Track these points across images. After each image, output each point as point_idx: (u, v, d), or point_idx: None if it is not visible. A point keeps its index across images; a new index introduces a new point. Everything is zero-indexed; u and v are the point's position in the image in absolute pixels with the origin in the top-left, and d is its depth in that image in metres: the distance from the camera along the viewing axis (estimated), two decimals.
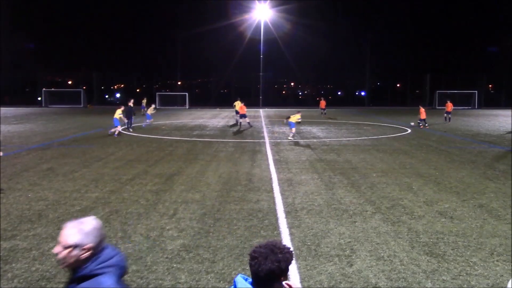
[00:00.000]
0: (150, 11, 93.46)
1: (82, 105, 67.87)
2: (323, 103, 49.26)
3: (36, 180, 13.39)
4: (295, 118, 25.49)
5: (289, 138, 24.68)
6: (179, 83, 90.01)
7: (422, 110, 33.08)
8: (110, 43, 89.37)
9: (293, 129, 25.23)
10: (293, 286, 2.61)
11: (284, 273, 2.56)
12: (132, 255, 7.48)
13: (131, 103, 31.43)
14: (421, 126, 32.41)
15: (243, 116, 33.59)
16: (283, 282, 2.59)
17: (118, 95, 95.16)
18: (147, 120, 33.87)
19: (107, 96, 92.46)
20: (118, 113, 27.50)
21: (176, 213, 10.01)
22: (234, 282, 2.66)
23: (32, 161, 16.71)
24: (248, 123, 33.65)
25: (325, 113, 47.64)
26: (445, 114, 39.64)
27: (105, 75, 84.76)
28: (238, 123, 34.75)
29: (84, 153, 18.75)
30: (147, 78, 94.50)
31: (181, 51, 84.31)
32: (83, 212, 9.99)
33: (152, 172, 14.86)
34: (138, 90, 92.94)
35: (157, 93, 66.55)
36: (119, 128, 27.01)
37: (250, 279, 2.65)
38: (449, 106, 40.00)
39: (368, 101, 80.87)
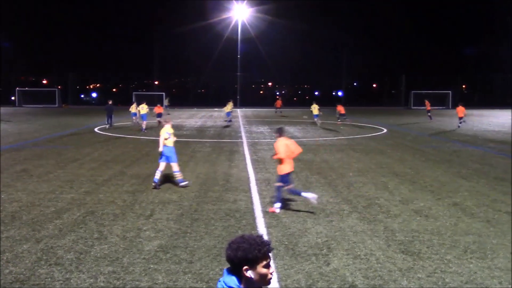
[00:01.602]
0: (127, 10, 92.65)
1: (57, 105, 66.91)
2: (279, 102, 51.98)
3: (10, 182, 13.14)
4: (315, 109, 34.91)
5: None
6: (156, 83, 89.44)
7: (460, 109, 33.26)
8: (86, 43, 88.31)
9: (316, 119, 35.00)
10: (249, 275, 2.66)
11: (247, 262, 2.64)
12: (108, 256, 7.40)
13: (110, 102, 32.74)
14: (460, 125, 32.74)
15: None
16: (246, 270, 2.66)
17: (94, 94, 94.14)
18: (143, 121, 30.97)
19: (82, 96, 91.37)
20: (145, 109, 31.08)
21: (153, 213, 9.94)
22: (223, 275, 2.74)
23: (5, 162, 16.40)
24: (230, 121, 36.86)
25: (280, 112, 50.38)
26: (428, 114, 41.94)
27: (80, 75, 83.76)
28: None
29: (59, 154, 18.48)
30: (123, 78, 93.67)
31: (158, 51, 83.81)
32: (58, 214, 9.86)
33: (129, 173, 14.73)
34: (114, 90, 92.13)
35: (133, 93, 65.90)
36: (144, 123, 30.08)
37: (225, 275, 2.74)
38: (428, 105, 42.51)
39: (345, 100, 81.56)
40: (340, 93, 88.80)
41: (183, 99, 78.84)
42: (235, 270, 2.68)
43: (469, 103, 59.97)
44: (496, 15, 79.92)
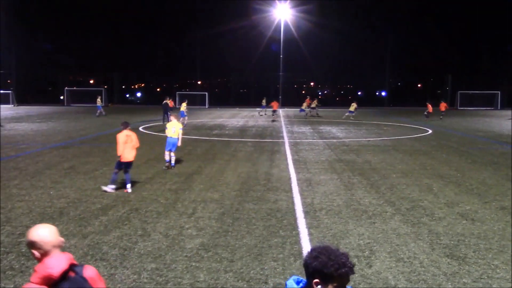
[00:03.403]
0: (169, 10, 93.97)
1: (103, 104, 68.57)
2: (275, 104, 50.72)
3: (58, 178, 13.58)
4: (353, 107, 40.96)
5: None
6: (199, 82, 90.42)
7: None
8: (131, 43, 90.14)
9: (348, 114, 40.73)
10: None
11: (320, 276, 2.50)
12: (151, 253, 7.54)
13: (167, 101, 35.67)
14: None
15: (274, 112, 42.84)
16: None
17: (138, 94, 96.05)
18: (181, 118, 32.92)
19: (128, 96, 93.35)
20: (184, 106, 34.45)
21: (195, 212, 10.06)
22: (286, 284, 2.65)
23: (54, 160, 16.95)
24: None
25: (273, 115, 49.35)
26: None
27: (125, 75, 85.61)
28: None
29: (105, 151, 18.96)
30: (167, 78, 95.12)
31: (201, 51, 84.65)
32: (103, 210, 10.11)
33: (172, 171, 14.95)
34: (158, 90, 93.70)
35: (177, 93, 66.83)
36: (186, 120, 33.01)
37: (303, 281, 2.64)
38: (443, 106, 42.72)
39: (389, 101, 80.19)
40: (383, 93, 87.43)
41: (225, 98, 79.44)
42: (307, 278, 2.55)
43: None
44: None
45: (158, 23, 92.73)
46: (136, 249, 7.74)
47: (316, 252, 2.53)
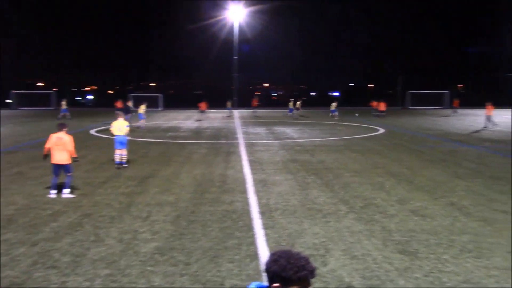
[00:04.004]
0: (123, 12, 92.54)
1: (52, 108, 66.68)
2: (254, 101, 53.11)
3: (6, 185, 13.10)
4: (333, 106, 43.00)
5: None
6: (153, 84, 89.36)
7: (489, 108, 32.91)
8: (82, 45, 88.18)
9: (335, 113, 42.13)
10: None
11: (279, 280, 2.47)
12: (105, 259, 7.38)
13: (128, 103, 35.82)
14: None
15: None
16: None
17: (90, 97, 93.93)
18: (140, 120, 33.59)
19: (79, 98, 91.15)
20: (143, 109, 33.58)
21: (150, 215, 9.92)
22: None
23: (1, 165, 16.35)
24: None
25: (254, 112, 51.56)
26: (378, 113, 43.55)
27: (76, 77, 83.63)
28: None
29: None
30: (120, 80, 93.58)
31: (155, 52, 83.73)
32: (54, 216, 9.83)
33: (125, 174, 14.70)
34: (111, 92, 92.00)
35: (130, 95, 65.75)
36: (143, 122, 32.85)
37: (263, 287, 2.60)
38: (382, 105, 43.71)
39: (341, 101, 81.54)
40: (336, 94, 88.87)
41: (179, 100, 78.73)
42: (268, 282, 2.51)
43: (468, 103, 60.18)
44: (491, 16, 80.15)
45: (110, 23, 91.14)
46: (88, 255, 7.56)
47: (275, 255, 2.52)
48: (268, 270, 2.50)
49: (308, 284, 2.49)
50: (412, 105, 65.64)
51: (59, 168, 11.65)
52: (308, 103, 63.60)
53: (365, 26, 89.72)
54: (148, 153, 19.59)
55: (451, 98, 65.73)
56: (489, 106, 32.73)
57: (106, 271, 6.91)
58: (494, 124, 32.15)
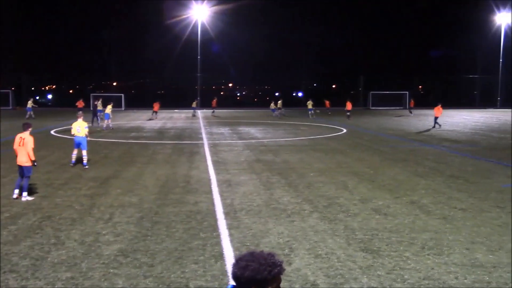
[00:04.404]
0: (84, 10, 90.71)
1: (10, 107, 64.85)
2: (214, 101, 53.41)
3: None
4: (310, 104, 45.01)
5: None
6: (114, 84, 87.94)
7: (437, 108, 33.18)
8: (41, 44, 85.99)
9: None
10: None
11: (255, 283, 2.43)
12: (66, 262, 7.23)
13: (96, 102, 35.89)
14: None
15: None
16: None
17: (49, 96, 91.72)
18: (106, 120, 32.97)
19: (38, 98, 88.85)
20: (109, 108, 32.59)
21: (113, 217, 9.77)
22: None
23: None
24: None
25: (213, 112, 51.72)
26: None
27: (35, 76, 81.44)
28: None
29: (13, 157, 17.87)
30: (80, 79, 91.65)
31: (116, 51, 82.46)
32: (12, 219, 9.55)
33: (87, 176, 14.42)
34: (71, 91, 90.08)
35: (91, 95, 64.51)
36: (110, 122, 32.17)
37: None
38: (349, 105, 43.91)
39: (305, 101, 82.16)
40: (300, 94, 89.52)
41: (141, 100, 77.73)
42: None
43: (424, 103, 61.65)
44: (452, 18, 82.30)
45: (70, 21, 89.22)
46: (49, 259, 7.38)
47: (243, 261, 2.44)
48: (239, 277, 2.42)
49: (280, 280, 2.48)
50: (374, 105, 66.70)
51: (21, 170, 11.37)
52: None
53: (329, 27, 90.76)
54: (110, 154, 19.27)
55: (410, 98, 67.33)
56: (438, 108, 33.41)
57: (68, 275, 6.76)
58: (438, 125, 32.66)
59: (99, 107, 35.46)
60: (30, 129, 11.69)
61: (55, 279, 6.62)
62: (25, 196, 11.24)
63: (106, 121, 32.46)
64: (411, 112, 51.19)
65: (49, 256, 7.51)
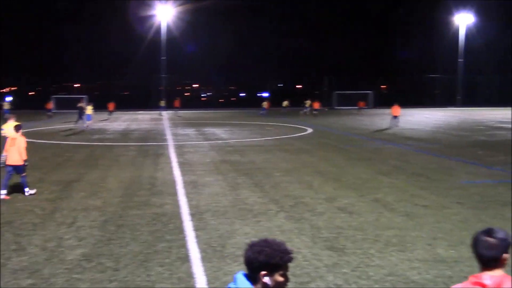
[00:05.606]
0: (45, 9, 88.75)
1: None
2: (177, 102, 54.46)
3: None
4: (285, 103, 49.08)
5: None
6: (76, 85, 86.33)
7: (395, 108, 33.39)
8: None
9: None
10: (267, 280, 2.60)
11: (267, 267, 2.58)
12: (27, 268, 7.05)
13: (81, 104, 35.49)
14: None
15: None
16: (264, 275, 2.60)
17: (9, 98, 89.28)
18: (87, 121, 33.32)
19: None
20: (90, 109, 33.82)
21: (76, 221, 9.58)
22: (234, 278, 2.65)
23: None
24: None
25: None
26: (306, 110, 47.57)
27: None
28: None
29: None
30: (41, 81, 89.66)
31: (78, 52, 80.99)
32: None
33: (48, 179, 14.10)
34: (32, 93, 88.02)
35: (52, 96, 63.05)
36: (91, 122, 33.13)
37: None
38: (316, 104, 48.01)
39: (271, 102, 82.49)
40: (266, 94, 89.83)
41: (105, 101, 76.53)
42: (252, 273, 2.61)
43: (387, 103, 62.71)
44: (416, 20, 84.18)
45: (29, 21, 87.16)
46: (9, 265, 7.18)
47: (258, 246, 2.61)
48: (253, 261, 2.59)
49: (288, 268, 2.64)
50: (338, 105, 67.44)
51: (14, 169, 11.89)
52: (240, 104, 63.95)
53: (292, 28, 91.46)
54: (73, 157, 18.90)
55: (374, 98, 68.44)
56: (395, 107, 33.89)
57: (29, 281, 6.59)
58: (396, 124, 33.08)
59: (88, 111, 34.50)
60: (21, 130, 12.19)
61: (16, 286, 6.45)
62: (28, 191, 11.82)
63: (88, 121, 33.26)
64: (360, 112, 53.13)
65: (9, 262, 7.31)
